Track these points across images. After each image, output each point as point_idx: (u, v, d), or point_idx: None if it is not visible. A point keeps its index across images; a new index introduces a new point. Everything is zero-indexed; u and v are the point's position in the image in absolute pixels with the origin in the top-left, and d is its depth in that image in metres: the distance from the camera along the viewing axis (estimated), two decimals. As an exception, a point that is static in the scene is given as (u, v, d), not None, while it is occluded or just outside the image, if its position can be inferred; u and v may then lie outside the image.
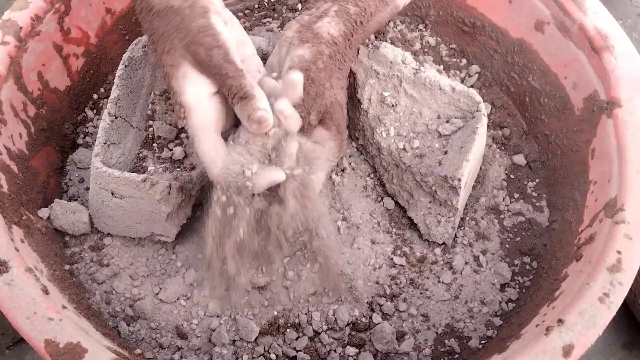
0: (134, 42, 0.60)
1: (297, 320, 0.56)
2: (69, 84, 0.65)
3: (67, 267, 0.57)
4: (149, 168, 0.58)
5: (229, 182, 0.46)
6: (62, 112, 0.65)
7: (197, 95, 0.47)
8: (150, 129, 0.59)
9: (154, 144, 0.59)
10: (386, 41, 0.74)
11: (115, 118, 0.58)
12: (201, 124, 0.47)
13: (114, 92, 0.58)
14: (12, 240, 0.49)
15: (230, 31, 0.49)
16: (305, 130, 0.50)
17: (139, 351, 0.54)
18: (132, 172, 0.56)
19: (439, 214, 0.60)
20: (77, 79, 0.66)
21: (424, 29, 0.76)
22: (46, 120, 0.62)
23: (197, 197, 0.58)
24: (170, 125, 0.60)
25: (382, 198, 0.63)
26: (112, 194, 0.54)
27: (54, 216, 0.57)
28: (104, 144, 0.56)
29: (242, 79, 0.46)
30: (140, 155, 0.59)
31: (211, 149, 0.47)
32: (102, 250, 0.59)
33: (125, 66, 0.59)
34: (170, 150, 0.59)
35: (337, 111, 0.52)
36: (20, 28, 0.58)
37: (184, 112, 0.47)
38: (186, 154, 0.59)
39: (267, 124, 0.46)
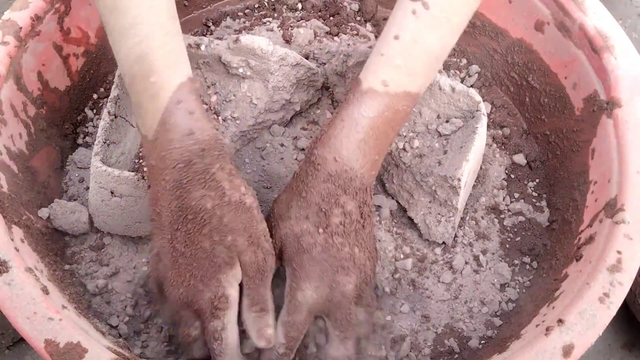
0: None
1: None
2: (69, 84, 0.65)
3: (67, 267, 0.57)
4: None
5: None
6: (62, 112, 0.65)
7: (237, 292, 0.49)
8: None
9: None
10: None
11: (115, 117, 0.58)
12: (233, 321, 0.48)
13: (114, 92, 0.58)
14: (12, 240, 0.49)
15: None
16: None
17: (139, 351, 0.54)
18: (132, 172, 0.56)
19: (439, 214, 0.60)
20: (77, 79, 0.66)
21: (424, 29, 0.76)
22: (46, 120, 0.62)
23: None
24: None
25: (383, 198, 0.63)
26: (112, 193, 0.54)
27: (53, 216, 0.57)
28: (104, 143, 0.56)
29: (268, 291, 0.49)
30: (140, 154, 0.59)
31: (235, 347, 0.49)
32: (102, 250, 0.59)
33: None
34: None
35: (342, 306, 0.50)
36: (20, 28, 0.57)
37: (229, 305, 0.48)
38: None
39: (272, 341, 0.47)
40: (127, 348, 0.52)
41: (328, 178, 0.48)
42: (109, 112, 0.57)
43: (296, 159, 0.64)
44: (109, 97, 0.58)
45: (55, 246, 0.57)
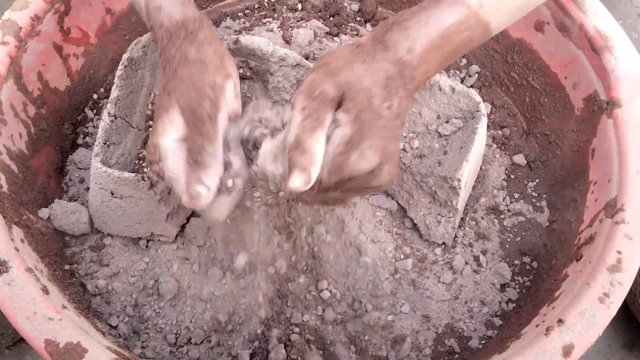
0: (134, 42, 0.60)
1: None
2: (69, 84, 0.65)
3: (67, 267, 0.57)
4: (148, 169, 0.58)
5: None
6: (62, 112, 0.65)
7: (174, 142, 0.45)
8: (150, 129, 0.59)
9: None
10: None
11: (115, 118, 0.58)
12: (174, 169, 0.45)
13: (114, 92, 0.58)
14: (12, 240, 0.49)
15: (233, 105, 0.48)
16: (318, 99, 0.44)
17: (139, 351, 0.54)
18: (132, 172, 0.56)
19: (439, 214, 0.60)
20: (77, 79, 0.66)
21: (424, 29, 0.76)
22: (46, 120, 0.62)
23: None
24: None
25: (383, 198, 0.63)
26: (112, 194, 0.54)
27: (53, 216, 0.57)
28: (104, 144, 0.56)
29: (211, 143, 0.44)
30: (141, 155, 0.59)
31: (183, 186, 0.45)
32: (102, 250, 0.59)
33: (125, 66, 0.59)
34: None
35: (360, 92, 0.45)
36: (20, 28, 0.57)
37: (159, 156, 0.45)
38: None
39: (199, 203, 0.43)
40: (127, 348, 0.52)
41: (396, 63, 0.45)
42: (109, 113, 0.57)
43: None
44: (109, 98, 0.58)
45: (55, 246, 0.57)
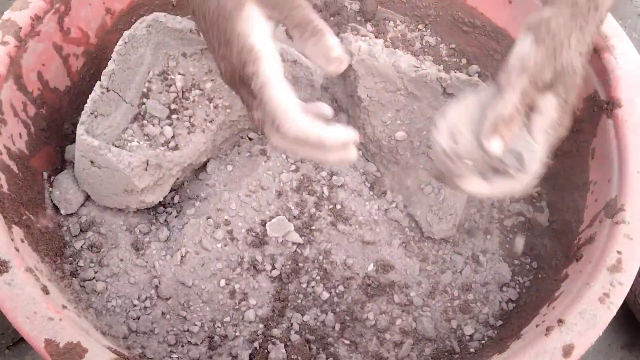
0: (139, 20, 0.60)
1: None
2: (69, 84, 0.65)
3: (67, 267, 0.57)
4: (133, 143, 0.58)
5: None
6: (62, 112, 0.65)
7: (264, 38, 0.43)
8: (143, 106, 0.60)
9: (144, 121, 0.60)
10: (386, 41, 0.74)
11: (107, 91, 0.59)
12: (273, 69, 0.43)
13: (110, 66, 0.59)
14: (12, 240, 0.49)
15: None
16: (538, 87, 0.46)
17: (139, 351, 0.54)
18: (115, 145, 0.57)
19: (440, 210, 0.60)
20: (77, 79, 0.66)
21: (424, 29, 0.76)
22: (46, 120, 0.62)
23: (177, 177, 0.60)
24: (164, 105, 0.61)
25: (383, 195, 0.63)
26: (92, 162, 0.56)
27: (57, 184, 0.60)
28: (91, 113, 0.57)
29: (311, 12, 0.43)
30: (128, 129, 0.60)
31: (285, 97, 0.43)
32: (102, 251, 0.59)
33: (125, 42, 0.59)
34: (161, 128, 0.60)
35: (569, 76, 0.47)
36: (20, 28, 0.57)
37: (254, 55, 0.42)
38: (174, 134, 0.60)
39: (345, 64, 0.42)
40: (127, 348, 0.52)
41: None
42: (101, 85, 0.58)
43: (294, 162, 0.64)
44: (104, 71, 0.59)
45: (55, 246, 0.57)
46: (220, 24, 0.44)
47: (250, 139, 0.66)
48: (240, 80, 0.44)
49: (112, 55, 0.59)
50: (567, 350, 0.44)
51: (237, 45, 0.43)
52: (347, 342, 0.56)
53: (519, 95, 0.46)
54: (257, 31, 0.43)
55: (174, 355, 0.55)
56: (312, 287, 0.58)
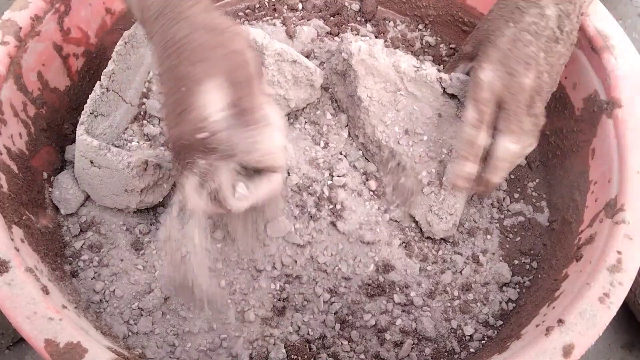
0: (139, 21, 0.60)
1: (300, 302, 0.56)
2: (69, 84, 0.65)
3: (67, 267, 0.57)
4: (133, 143, 0.58)
5: None
6: (62, 112, 0.65)
7: (219, 109, 0.44)
8: (143, 106, 0.60)
9: (144, 121, 0.60)
10: (386, 41, 0.74)
11: (107, 91, 0.59)
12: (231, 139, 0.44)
13: (110, 66, 0.59)
14: (12, 240, 0.49)
15: None
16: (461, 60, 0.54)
17: (139, 351, 0.54)
18: (115, 146, 0.57)
19: (440, 210, 0.60)
20: (77, 79, 0.66)
21: (424, 29, 0.76)
22: (46, 120, 0.62)
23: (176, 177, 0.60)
24: None
25: (383, 195, 0.63)
26: (92, 162, 0.56)
27: (57, 184, 0.60)
28: (90, 113, 0.57)
29: (261, 98, 0.45)
30: (128, 129, 0.60)
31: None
32: (102, 251, 0.59)
33: (125, 42, 0.59)
34: (161, 128, 0.60)
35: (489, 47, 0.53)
36: (20, 28, 0.57)
37: (213, 127, 0.43)
38: None
39: (279, 162, 0.45)
40: (127, 348, 0.52)
41: None
42: (101, 85, 0.58)
43: (297, 161, 0.64)
44: (104, 71, 0.59)
45: (55, 246, 0.57)
46: (182, 92, 0.44)
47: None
48: (195, 149, 0.44)
49: (112, 55, 0.59)
50: (567, 350, 0.44)
51: (193, 118, 0.43)
52: (347, 342, 0.56)
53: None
54: (214, 105, 0.43)
55: (174, 356, 0.55)
56: (312, 287, 0.58)
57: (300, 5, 0.77)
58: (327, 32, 0.73)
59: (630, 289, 0.47)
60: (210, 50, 0.44)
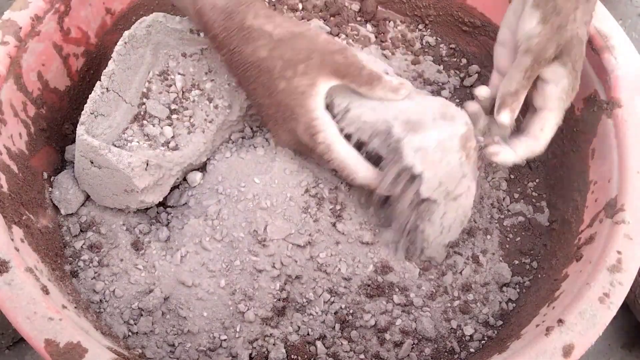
0: (139, 21, 0.60)
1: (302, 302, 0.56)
2: (69, 84, 0.65)
3: (67, 267, 0.57)
4: (133, 143, 0.59)
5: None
6: (62, 112, 0.65)
7: (323, 109, 0.52)
8: (143, 107, 0.60)
9: (144, 121, 0.60)
10: (386, 41, 0.74)
11: (107, 91, 0.59)
12: (336, 132, 0.53)
13: (110, 66, 0.59)
14: (12, 240, 0.49)
15: None
16: (541, 64, 0.52)
17: (139, 351, 0.54)
18: (115, 146, 0.57)
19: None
20: (77, 79, 0.66)
21: (424, 29, 0.76)
22: (46, 120, 0.62)
23: (177, 177, 0.60)
24: (164, 105, 0.61)
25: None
26: (92, 162, 0.56)
27: (57, 184, 0.60)
28: (90, 113, 0.57)
29: (371, 68, 0.52)
30: (128, 129, 0.60)
31: (351, 154, 0.53)
32: (102, 251, 0.59)
33: (125, 43, 0.59)
34: (161, 128, 0.60)
35: (575, 46, 0.52)
36: (20, 28, 0.58)
37: (321, 125, 0.52)
38: (174, 134, 0.60)
39: (407, 84, 0.53)
40: (127, 348, 0.53)
41: None
42: (101, 85, 0.58)
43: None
44: (104, 71, 0.59)
45: (55, 246, 0.57)
46: (289, 102, 0.51)
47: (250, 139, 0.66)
48: (304, 145, 0.54)
49: (112, 55, 0.59)
50: (567, 350, 0.44)
51: (304, 119, 0.52)
52: (347, 342, 0.56)
53: (522, 73, 0.52)
54: (320, 105, 0.52)
55: (174, 356, 0.55)
56: (313, 287, 0.58)
57: (300, 5, 0.77)
58: (327, 33, 0.73)
59: (630, 289, 0.47)
60: (306, 60, 0.50)
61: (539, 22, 0.50)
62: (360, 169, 0.53)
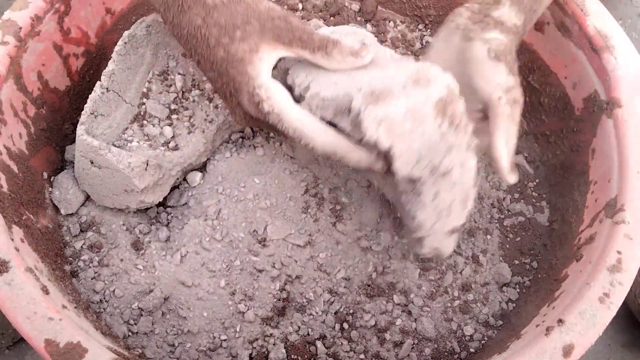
0: (139, 21, 0.60)
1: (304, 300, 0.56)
2: (69, 84, 0.65)
3: (67, 267, 0.57)
4: (133, 143, 0.59)
5: None
6: (62, 112, 0.65)
7: (270, 75, 0.48)
8: (143, 107, 0.60)
9: (144, 121, 0.60)
10: (386, 41, 0.74)
11: (107, 91, 0.59)
12: (286, 98, 0.48)
13: (110, 66, 0.59)
14: (12, 240, 0.49)
15: None
16: None
17: (139, 351, 0.54)
18: (115, 146, 0.57)
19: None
20: (77, 79, 0.66)
21: (424, 29, 0.76)
22: (46, 120, 0.62)
23: (177, 177, 0.60)
24: (164, 105, 0.61)
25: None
26: (92, 162, 0.56)
27: (57, 184, 0.60)
28: (90, 114, 0.58)
29: (322, 33, 0.48)
30: (128, 129, 0.60)
31: (306, 119, 0.48)
32: (102, 251, 0.59)
33: (125, 43, 0.59)
34: (161, 128, 0.60)
35: None
36: (20, 28, 0.57)
37: (266, 92, 0.47)
38: (174, 134, 0.60)
39: (371, 48, 0.48)
40: (127, 348, 0.52)
41: None
42: (101, 85, 0.58)
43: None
44: (104, 71, 0.59)
45: (55, 246, 0.57)
46: (230, 71, 0.47)
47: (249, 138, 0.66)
48: (257, 119, 0.49)
49: (112, 55, 0.59)
50: (567, 350, 0.44)
51: (246, 88, 0.47)
52: (347, 342, 0.56)
53: (517, 125, 0.49)
54: (263, 71, 0.47)
55: (174, 356, 0.55)
56: (313, 287, 0.58)
57: (300, 5, 0.77)
58: (327, 32, 0.73)
59: (630, 289, 0.47)
60: (243, 25, 0.46)
61: (509, 74, 0.48)
62: (319, 133, 0.48)
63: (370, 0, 0.76)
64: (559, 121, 0.64)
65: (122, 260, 0.58)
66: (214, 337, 0.56)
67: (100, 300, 0.56)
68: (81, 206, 0.61)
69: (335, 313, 0.57)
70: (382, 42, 0.75)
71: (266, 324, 0.56)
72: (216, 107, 0.61)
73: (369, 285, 0.58)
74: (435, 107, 0.45)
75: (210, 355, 0.55)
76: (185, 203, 0.61)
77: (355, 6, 0.77)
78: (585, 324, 0.45)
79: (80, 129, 0.56)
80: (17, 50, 0.57)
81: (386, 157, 0.47)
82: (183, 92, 0.62)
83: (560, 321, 0.46)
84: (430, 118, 0.45)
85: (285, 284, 0.58)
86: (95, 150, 0.55)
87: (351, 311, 0.57)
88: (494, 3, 0.51)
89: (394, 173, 0.46)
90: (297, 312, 0.57)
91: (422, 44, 0.75)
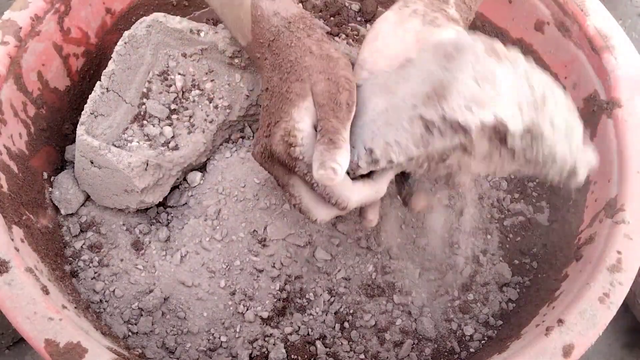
0: (139, 21, 0.60)
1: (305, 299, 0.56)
2: (69, 84, 0.65)
3: (67, 267, 0.57)
4: (133, 143, 0.59)
5: None
6: (62, 112, 0.65)
7: (310, 127, 0.47)
8: (143, 107, 0.60)
9: (144, 121, 0.60)
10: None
11: (107, 91, 0.59)
12: (309, 151, 0.46)
13: (110, 66, 0.59)
14: (12, 240, 0.49)
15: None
16: None
17: (139, 351, 0.54)
18: (115, 146, 0.57)
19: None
20: (77, 79, 0.66)
21: (424, 29, 0.76)
22: (46, 120, 0.62)
23: (177, 177, 0.61)
24: (164, 105, 0.61)
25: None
26: (92, 162, 0.56)
27: (57, 184, 0.60)
28: (90, 114, 0.58)
29: (345, 128, 0.45)
30: (128, 129, 0.60)
31: (347, 181, 0.47)
32: (102, 251, 0.59)
33: (125, 43, 0.59)
34: (161, 128, 0.60)
35: None
36: (20, 28, 0.57)
37: (302, 139, 0.46)
38: (174, 134, 0.60)
39: (331, 182, 0.44)
40: (127, 348, 0.52)
41: None
42: (101, 85, 0.58)
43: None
44: (104, 71, 0.59)
45: (55, 246, 0.57)
46: (277, 104, 0.48)
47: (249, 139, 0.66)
48: (272, 160, 0.49)
49: (112, 55, 0.59)
50: (567, 350, 0.44)
51: (284, 125, 0.46)
52: (347, 342, 0.56)
53: None
54: (307, 120, 0.47)
55: (174, 356, 0.55)
56: (312, 287, 0.58)
57: (300, 6, 0.77)
58: (327, 32, 0.73)
59: (630, 289, 0.47)
60: (315, 73, 0.48)
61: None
62: (353, 190, 0.46)
63: (370, 0, 0.76)
64: (559, 121, 0.64)
65: (122, 260, 0.58)
66: (214, 337, 0.56)
67: (100, 300, 0.56)
68: (81, 206, 0.61)
69: (335, 313, 0.57)
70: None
71: (266, 324, 0.56)
72: (216, 107, 0.62)
73: (369, 285, 0.58)
74: (490, 55, 0.44)
75: (210, 355, 0.55)
76: (185, 203, 0.61)
77: (355, 6, 0.77)
78: (585, 324, 0.45)
79: (80, 129, 0.56)
80: (17, 50, 0.57)
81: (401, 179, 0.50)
82: (183, 92, 0.62)
83: (560, 321, 0.46)
84: (492, 65, 0.43)
85: (285, 284, 0.58)
86: (95, 150, 0.55)
87: (351, 311, 0.58)
88: (443, 2, 0.53)
89: (509, 146, 0.43)
90: (297, 312, 0.57)
91: (422, 44, 0.75)
